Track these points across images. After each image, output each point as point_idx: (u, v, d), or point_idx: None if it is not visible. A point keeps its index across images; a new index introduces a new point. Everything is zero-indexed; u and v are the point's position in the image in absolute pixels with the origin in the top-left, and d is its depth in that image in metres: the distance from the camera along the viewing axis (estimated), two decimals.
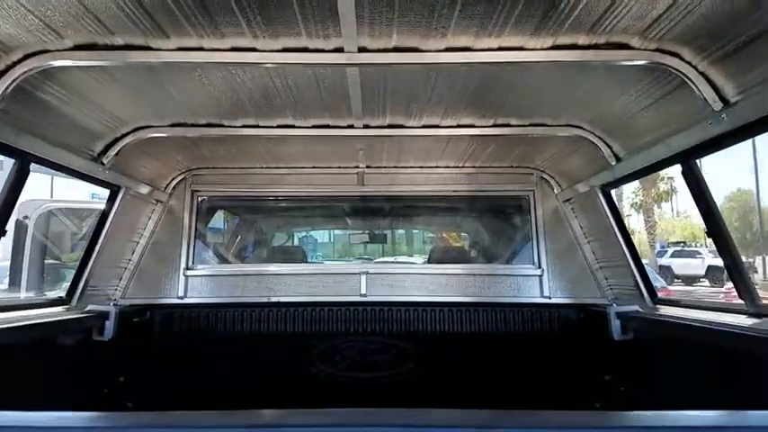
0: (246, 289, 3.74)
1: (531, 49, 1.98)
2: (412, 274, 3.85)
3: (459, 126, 2.91)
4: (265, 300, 3.70)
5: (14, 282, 4.24)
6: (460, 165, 3.79)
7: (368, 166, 3.85)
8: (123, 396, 3.38)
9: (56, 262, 5.76)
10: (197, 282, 3.72)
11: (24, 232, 4.33)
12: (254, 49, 1.94)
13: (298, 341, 3.65)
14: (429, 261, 4.70)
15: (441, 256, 4.92)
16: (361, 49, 1.91)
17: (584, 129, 2.86)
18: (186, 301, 3.67)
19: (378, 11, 1.73)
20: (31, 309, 2.88)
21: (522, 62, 1.99)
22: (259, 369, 3.61)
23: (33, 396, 2.56)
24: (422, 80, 2.30)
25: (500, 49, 1.96)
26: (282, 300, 3.72)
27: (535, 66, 2.07)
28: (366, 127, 2.93)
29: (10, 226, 2.50)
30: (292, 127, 2.94)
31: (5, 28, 1.76)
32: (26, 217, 4.46)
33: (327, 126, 2.95)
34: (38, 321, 2.60)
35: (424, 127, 2.92)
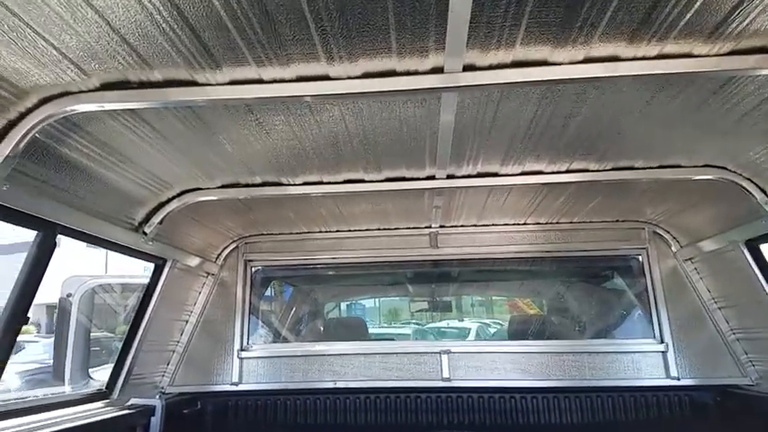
0: (308, 372, 3.22)
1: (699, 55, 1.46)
2: (504, 354, 3.24)
3: (566, 172, 2.39)
4: (331, 384, 3.18)
5: (58, 368, 3.83)
6: (554, 221, 3.24)
7: (442, 226, 3.36)
8: None
9: (110, 335, 5.43)
10: (252, 365, 3.24)
11: (68, 313, 3.94)
12: (326, 77, 1.51)
13: None
14: (510, 337, 4.08)
15: (522, 329, 4.27)
16: (468, 68, 1.46)
17: (727, 170, 2.28)
18: (241, 387, 3.18)
19: (499, 11, 1.28)
20: (68, 407, 2.46)
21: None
22: None
23: None
24: (533, 107, 1.81)
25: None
26: (351, 385, 3.18)
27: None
28: (450, 177, 2.45)
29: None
30: (362, 182, 2.49)
31: (16, 64, 1.39)
32: (69, 295, 4.09)
33: (403, 179, 2.49)
34: (71, 425, 2.15)
35: (522, 174, 2.41)
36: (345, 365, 3.23)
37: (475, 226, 3.36)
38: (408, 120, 1.85)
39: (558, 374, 3.12)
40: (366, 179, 2.48)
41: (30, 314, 2.00)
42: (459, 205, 2.97)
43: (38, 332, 15.28)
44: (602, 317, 3.90)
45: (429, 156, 2.20)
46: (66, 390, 3.72)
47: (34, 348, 9.98)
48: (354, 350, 3.29)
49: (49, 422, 2.13)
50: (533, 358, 3.19)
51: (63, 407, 2.40)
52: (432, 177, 2.47)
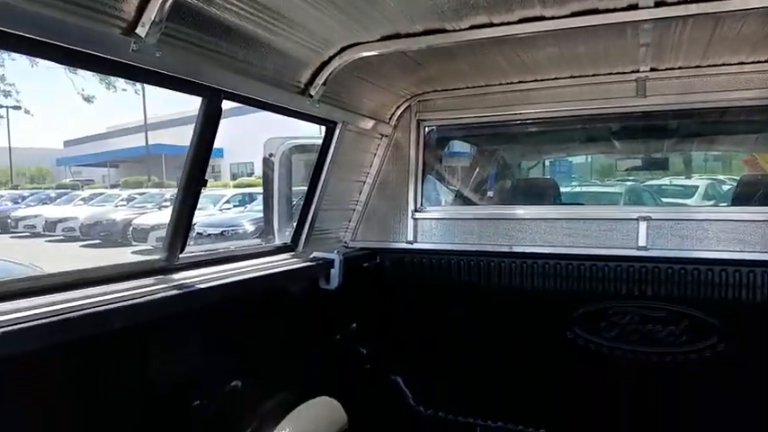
0: (484, 236, 3.12)
1: None
2: (717, 221, 2.72)
3: None
4: (506, 249, 3.06)
5: (268, 221, 4.25)
6: None
7: (653, 69, 2.76)
8: (357, 343, 3.20)
9: None
10: (426, 225, 3.25)
11: (272, 171, 4.30)
12: None
13: (550, 299, 2.95)
14: (735, 201, 3.40)
15: (752, 191, 3.51)
16: None
17: None
18: (416, 246, 3.25)
19: None
20: (260, 257, 2.78)
21: None
22: (498, 325, 3.05)
23: (264, 345, 2.44)
24: None
25: None
26: (528, 250, 3.03)
27: None
28: (659, 4, 1.92)
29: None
30: (541, 19, 2.06)
31: None
32: (271, 155, 4.45)
33: (595, 11, 2.00)
34: (262, 273, 2.42)
35: None
36: (524, 230, 3.05)
37: (698, 67, 2.70)
38: None
39: None
40: (546, 15, 2.04)
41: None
42: (674, 42, 2.36)
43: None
44: None
45: None
46: (277, 239, 4.13)
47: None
48: (535, 215, 3.07)
49: (244, 269, 2.40)
50: (759, 228, 2.64)
51: (256, 257, 2.71)
52: (634, 6, 1.95)
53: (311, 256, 2.88)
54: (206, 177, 2.16)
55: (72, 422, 1.64)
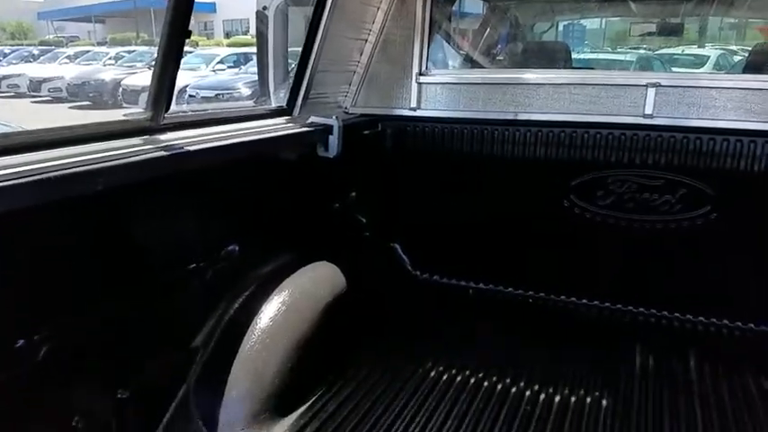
0: (489, 102, 2.98)
1: None
2: (726, 89, 2.58)
3: None
4: (511, 116, 2.93)
5: (263, 81, 4.04)
6: None
7: None
8: (356, 211, 3.20)
9: None
10: (431, 91, 3.08)
11: (266, 27, 4.00)
12: None
13: (550, 168, 2.89)
14: (746, 70, 3.21)
15: (764, 60, 3.31)
16: None
17: None
18: (419, 113, 3.11)
19: None
20: (253, 120, 2.65)
21: None
22: (497, 194, 3.03)
23: (261, 211, 2.41)
24: None
25: None
26: (533, 117, 2.90)
27: None
28: None
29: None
30: None
31: None
32: (265, 8, 4.11)
33: None
34: (256, 138, 2.32)
35: None
36: (531, 96, 2.90)
37: None
38: None
39: None
40: None
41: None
42: None
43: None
44: None
45: None
46: (272, 102, 3.94)
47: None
48: (543, 80, 2.90)
49: (236, 132, 2.29)
50: (767, 96, 2.51)
51: (249, 120, 2.59)
52: None
53: (309, 121, 2.75)
54: (190, 29, 1.98)
55: (53, 287, 1.62)
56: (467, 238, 3.19)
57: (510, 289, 3.17)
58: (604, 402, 2.20)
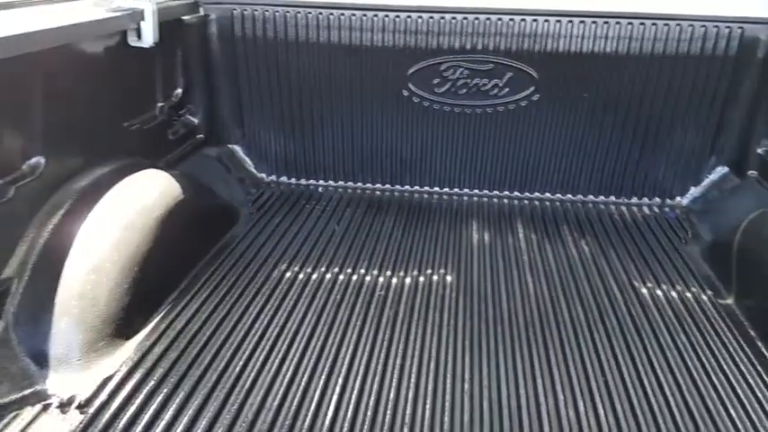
0: None
1: None
2: None
3: None
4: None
5: None
6: None
7: None
8: (186, 111, 2.92)
9: None
10: None
11: None
12: None
13: (388, 56, 2.84)
14: None
15: None
16: None
17: None
18: None
19: None
20: (45, 4, 2.18)
21: None
22: (337, 84, 2.94)
23: (69, 117, 2.07)
24: None
25: None
26: (369, 1, 2.77)
27: None
28: None
29: None
30: None
31: None
32: None
33: None
34: (51, 27, 1.89)
35: None
36: None
37: None
38: None
39: None
40: None
41: None
42: None
43: None
44: None
45: None
46: None
47: None
48: None
49: (27, 20, 1.88)
50: None
51: (40, 4, 2.13)
52: None
53: (115, 5, 2.34)
54: None
55: None
56: (311, 135, 3.07)
57: (359, 184, 3.18)
58: (449, 279, 2.34)
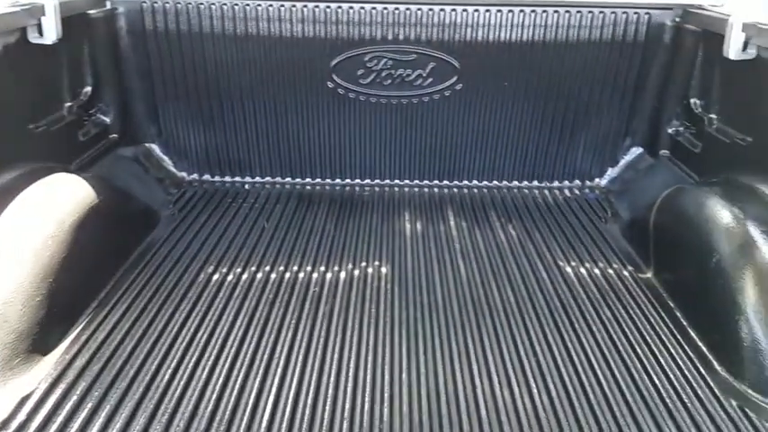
0: None
1: None
2: None
3: None
4: None
5: None
6: None
7: None
8: (97, 110, 2.75)
9: None
10: None
11: None
12: None
13: (311, 47, 2.80)
14: None
15: None
16: None
17: None
18: None
19: None
20: None
21: None
22: (260, 77, 2.87)
23: None
24: None
25: None
26: None
27: None
28: None
29: None
30: None
31: None
32: None
33: None
34: None
35: None
36: None
37: None
38: None
39: None
40: None
41: None
42: None
43: None
44: None
45: None
46: None
47: None
48: None
49: None
50: None
51: None
52: None
53: (12, 0, 2.16)
54: None
55: None
56: (233, 130, 2.98)
57: (287, 179, 3.11)
58: (384, 270, 2.34)
